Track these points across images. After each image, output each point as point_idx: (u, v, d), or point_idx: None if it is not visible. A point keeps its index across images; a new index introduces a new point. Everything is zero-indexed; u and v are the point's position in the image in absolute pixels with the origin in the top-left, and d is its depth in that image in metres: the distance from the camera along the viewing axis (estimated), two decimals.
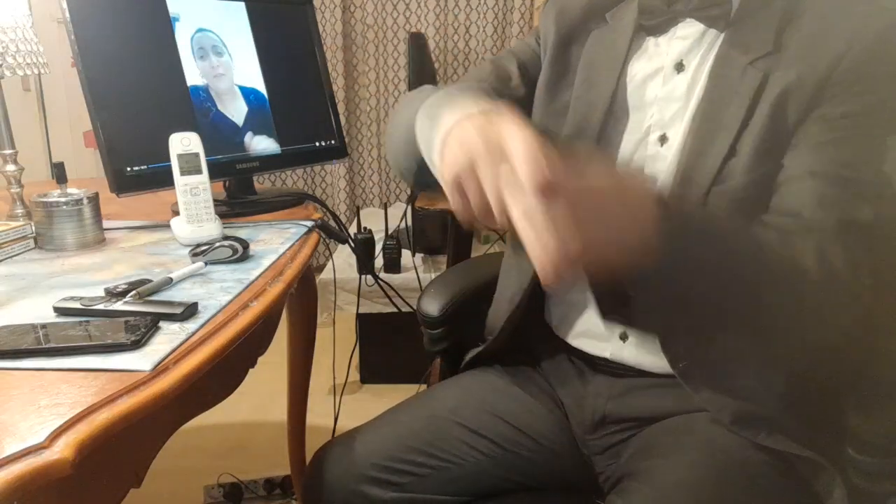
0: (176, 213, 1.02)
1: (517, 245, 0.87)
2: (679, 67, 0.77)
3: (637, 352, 0.82)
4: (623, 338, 0.82)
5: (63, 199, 0.96)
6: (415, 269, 2.07)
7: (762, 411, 0.74)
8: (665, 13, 0.77)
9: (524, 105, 0.89)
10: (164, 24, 1.08)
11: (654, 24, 0.78)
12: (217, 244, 0.90)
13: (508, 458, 0.86)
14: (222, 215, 1.03)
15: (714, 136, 0.72)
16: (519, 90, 0.90)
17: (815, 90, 0.68)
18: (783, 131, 0.70)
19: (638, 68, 0.80)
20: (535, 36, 0.93)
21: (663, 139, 0.78)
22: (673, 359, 0.76)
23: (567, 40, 0.87)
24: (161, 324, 0.68)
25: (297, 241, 1.02)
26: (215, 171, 1.06)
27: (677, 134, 0.76)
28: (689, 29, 0.76)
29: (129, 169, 1.02)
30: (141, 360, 0.60)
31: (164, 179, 1.02)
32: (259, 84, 1.22)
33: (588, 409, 0.86)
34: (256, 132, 1.21)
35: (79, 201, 0.97)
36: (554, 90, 0.87)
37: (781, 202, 0.69)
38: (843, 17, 0.69)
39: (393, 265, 2.08)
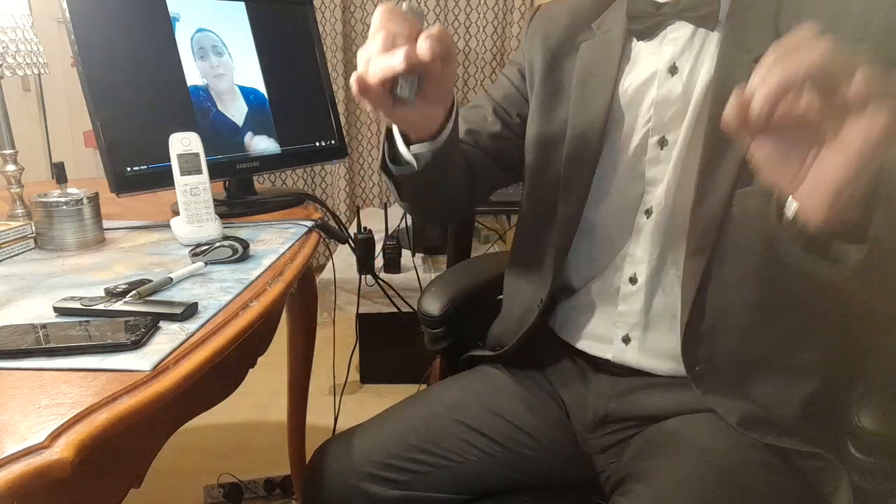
0: (176, 213, 1.02)
1: (526, 257, 0.88)
2: (673, 70, 0.77)
3: (640, 355, 0.82)
4: (626, 340, 0.83)
5: (63, 199, 0.96)
6: (415, 269, 2.07)
7: (771, 414, 0.74)
8: (654, 16, 0.77)
9: (502, 137, 0.93)
10: (164, 24, 1.08)
11: (644, 28, 0.78)
12: (217, 244, 0.90)
13: (509, 457, 0.86)
14: (222, 215, 1.03)
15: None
16: (494, 126, 0.93)
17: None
18: None
19: (632, 78, 0.80)
20: (516, 66, 0.94)
21: (663, 142, 0.78)
22: (690, 363, 0.77)
23: (556, 58, 0.87)
24: (161, 324, 0.68)
25: (297, 241, 1.02)
26: (215, 171, 1.05)
27: (678, 136, 0.76)
28: (679, 31, 0.76)
29: (129, 169, 1.02)
30: (141, 360, 0.60)
31: (164, 179, 1.02)
32: (259, 84, 1.22)
33: (589, 408, 0.86)
34: (256, 132, 1.21)
35: (79, 201, 0.97)
36: (549, 108, 0.87)
37: None
38: (846, 8, 0.68)
39: (393, 265, 2.08)
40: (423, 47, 0.60)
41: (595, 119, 0.81)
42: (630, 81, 0.80)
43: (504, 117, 0.93)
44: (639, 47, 0.81)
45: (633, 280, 0.81)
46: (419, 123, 0.74)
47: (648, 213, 0.79)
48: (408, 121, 0.74)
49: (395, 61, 0.60)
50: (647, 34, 0.79)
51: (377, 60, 0.62)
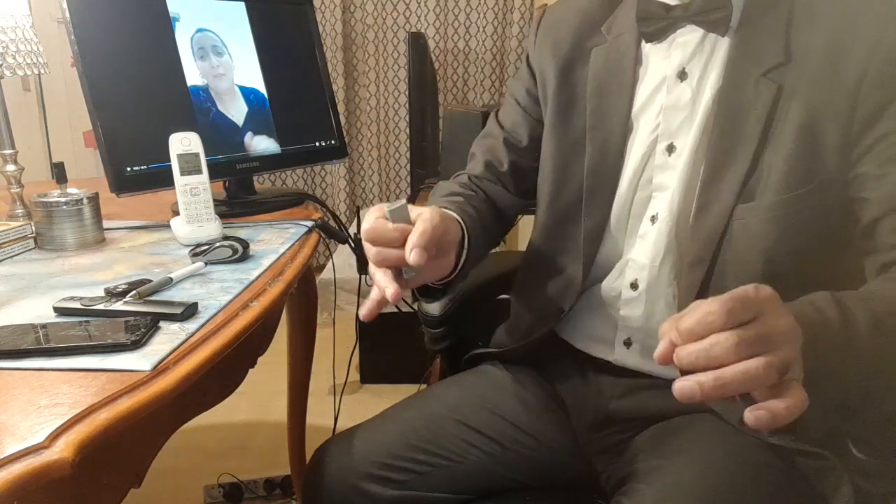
0: (176, 213, 1.02)
1: (546, 268, 0.89)
2: (682, 76, 0.76)
3: (641, 359, 0.82)
4: (627, 344, 0.82)
5: (63, 199, 0.96)
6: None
7: None
8: (664, 19, 0.76)
9: (517, 166, 0.94)
10: (164, 24, 1.08)
11: (653, 30, 0.77)
12: (217, 244, 0.90)
13: (509, 457, 0.86)
14: (222, 215, 1.03)
15: (734, 151, 0.72)
16: (507, 158, 0.94)
17: (848, 108, 0.67)
18: (819, 154, 0.69)
19: (644, 84, 0.79)
20: (523, 84, 0.94)
21: (671, 148, 0.77)
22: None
23: (568, 66, 0.86)
24: (161, 324, 0.68)
25: (297, 241, 1.02)
26: (215, 171, 1.05)
27: (686, 143, 0.76)
28: (688, 35, 0.75)
29: (129, 169, 1.02)
30: (141, 360, 0.60)
31: (164, 179, 1.02)
32: (259, 84, 1.22)
33: (590, 409, 0.86)
34: (256, 132, 1.21)
35: (79, 201, 0.97)
36: (565, 119, 0.86)
37: (886, 239, 0.67)
38: (858, 23, 0.67)
39: None
40: (412, 259, 0.64)
41: (616, 130, 0.80)
42: (643, 90, 0.79)
43: (515, 146, 0.94)
44: (647, 50, 0.80)
45: (633, 286, 0.80)
46: (434, 278, 0.77)
47: (654, 219, 0.78)
48: (421, 283, 0.77)
49: (389, 295, 0.65)
50: (656, 36, 0.78)
51: (375, 283, 0.67)
